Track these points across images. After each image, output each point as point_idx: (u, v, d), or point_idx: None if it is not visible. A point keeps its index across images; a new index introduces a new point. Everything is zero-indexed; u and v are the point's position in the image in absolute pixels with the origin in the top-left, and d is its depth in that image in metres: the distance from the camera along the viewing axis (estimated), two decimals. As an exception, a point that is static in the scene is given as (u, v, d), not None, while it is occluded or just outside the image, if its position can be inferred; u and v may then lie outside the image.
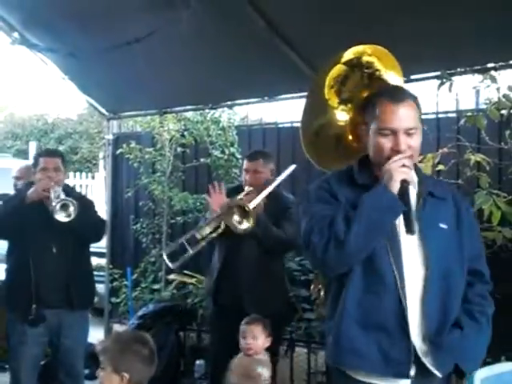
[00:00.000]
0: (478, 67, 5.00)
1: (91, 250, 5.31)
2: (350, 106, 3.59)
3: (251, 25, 5.25)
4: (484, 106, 5.46)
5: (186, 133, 8.41)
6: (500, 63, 4.89)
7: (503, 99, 5.01)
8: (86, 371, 5.33)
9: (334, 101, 3.63)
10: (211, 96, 6.81)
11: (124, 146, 8.48)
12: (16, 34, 6.42)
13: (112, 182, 8.60)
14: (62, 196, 4.68)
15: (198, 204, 7.97)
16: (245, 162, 5.23)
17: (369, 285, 2.83)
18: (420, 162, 4.99)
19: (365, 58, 3.60)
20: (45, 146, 19.60)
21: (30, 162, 5.62)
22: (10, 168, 7.48)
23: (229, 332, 4.71)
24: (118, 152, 8.50)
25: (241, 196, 4.94)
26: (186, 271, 7.79)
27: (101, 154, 17.57)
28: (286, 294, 5.42)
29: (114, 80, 6.88)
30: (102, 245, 7.01)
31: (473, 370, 3.03)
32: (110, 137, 8.37)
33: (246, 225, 4.67)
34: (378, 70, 3.58)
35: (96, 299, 5.52)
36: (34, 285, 4.78)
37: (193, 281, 7.67)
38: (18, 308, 4.87)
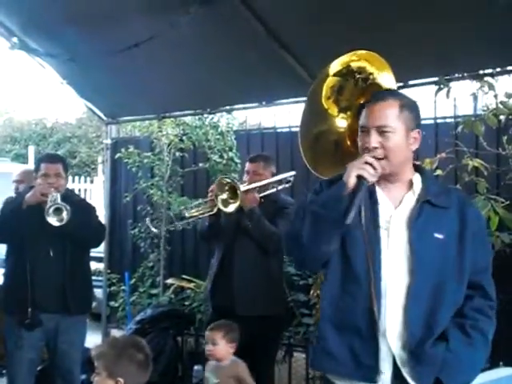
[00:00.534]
0: (476, 73, 5.01)
1: (90, 254, 5.29)
2: (349, 113, 3.59)
3: (250, 30, 5.26)
4: (482, 112, 5.46)
5: (184, 137, 8.40)
6: (497, 69, 4.90)
7: (501, 106, 5.03)
8: (83, 376, 5.32)
9: (333, 110, 3.61)
10: (210, 101, 6.82)
11: (122, 150, 8.48)
12: (15, 39, 6.42)
13: (110, 186, 8.62)
14: (59, 200, 4.68)
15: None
16: (246, 163, 5.27)
17: (345, 285, 2.83)
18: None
19: (354, 65, 3.59)
20: (43, 151, 19.62)
21: (29, 166, 5.62)
22: (9, 172, 7.47)
23: None
24: (117, 156, 8.50)
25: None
26: (184, 276, 7.80)
27: (99, 159, 17.57)
28: (283, 297, 5.43)
29: (112, 85, 6.89)
30: (100, 249, 7.01)
31: None
32: (109, 141, 8.38)
33: (233, 206, 4.72)
34: (371, 73, 3.58)
35: (94, 304, 5.52)
36: (31, 288, 4.77)
37: (191, 285, 7.67)
38: (15, 312, 4.86)
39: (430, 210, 2.81)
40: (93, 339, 6.07)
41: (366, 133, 2.84)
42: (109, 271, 8.47)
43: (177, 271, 8.25)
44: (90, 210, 5.22)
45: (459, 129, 5.44)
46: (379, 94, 3.02)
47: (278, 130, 8.03)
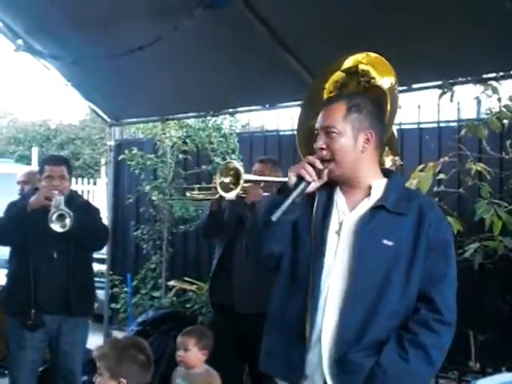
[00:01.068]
0: (480, 77, 5.01)
1: (92, 256, 5.30)
2: None
3: (253, 33, 5.27)
4: (485, 116, 5.45)
5: (187, 140, 8.41)
6: (501, 73, 4.89)
7: (504, 110, 5.02)
8: (85, 377, 5.32)
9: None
10: (213, 103, 6.83)
11: (126, 152, 8.49)
12: (20, 41, 6.43)
13: (113, 188, 8.62)
14: (62, 206, 4.68)
15: (200, 212, 7.96)
16: (256, 164, 5.26)
17: (290, 287, 2.82)
18: (421, 170, 5.01)
19: (361, 67, 3.63)
20: (47, 152, 19.65)
21: (33, 167, 5.62)
22: (13, 173, 7.48)
23: (226, 335, 4.73)
24: (120, 158, 8.50)
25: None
26: (186, 278, 7.80)
27: (103, 160, 17.57)
28: None
29: (116, 87, 6.91)
30: (102, 251, 7.00)
31: None
32: (112, 143, 8.39)
33: (233, 193, 4.71)
34: (373, 77, 3.61)
35: (96, 305, 5.52)
36: (34, 290, 4.77)
37: (193, 288, 7.67)
38: (18, 313, 4.86)
39: (384, 216, 2.74)
40: (94, 340, 6.06)
41: (318, 135, 2.85)
42: (111, 273, 8.47)
43: (179, 273, 8.25)
44: (95, 212, 5.22)
45: (462, 132, 5.44)
46: (334, 97, 3.04)
47: (281, 133, 8.03)
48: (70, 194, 4.99)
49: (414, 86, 5.28)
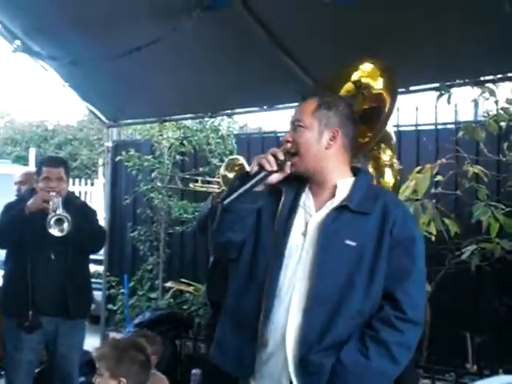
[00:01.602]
0: (477, 79, 5.01)
1: (89, 257, 5.28)
2: None
3: (251, 35, 5.26)
4: (483, 118, 5.46)
5: (185, 141, 8.41)
6: (499, 75, 4.89)
7: (502, 112, 5.03)
8: (82, 379, 5.32)
9: None
10: (211, 104, 6.82)
11: (123, 153, 8.49)
12: (18, 42, 6.41)
13: (111, 189, 8.61)
14: (60, 209, 4.67)
15: (197, 214, 7.96)
16: None
17: (248, 284, 2.82)
18: (418, 172, 5.02)
19: (363, 80, 3.72)
20: (44, 153, 19.61)
21: (30, 168, 5.61)
22: (10, 174, 7.47)
23: None
24: (117, 159, 8.50)
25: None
26: (183, 279, 7.80)
27: (100, 161, 17.58)
28: None
29: (114, 88, 6.89)
30: (99, 252, 7.00)
31: None
32: (110, 144, 8.38)
33: None
34: (372, 87, 3.69)
35: (92, 306, 5.51)
36: (31, 291, 4.77)
37: (190, 289, 7.67)
38: (15, 314, 4.86)
39: (348, 216, 2.74)
40: (91, 342, 6.06)
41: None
42: (108, 274, 8.45)
43: (176, 274, 8.25)
44: (92, 214, 5.22)
45: (460, 135, 5.45)
46: (310, 93, 3.04)
47: (279, 135, 8.02)
48: (67, 195, 4.98)
49: (412, 88, 5.27)
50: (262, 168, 2.79)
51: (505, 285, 5.87)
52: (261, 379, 2.75)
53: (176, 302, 8.04)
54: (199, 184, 5.23)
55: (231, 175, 4.67)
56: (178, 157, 8.52)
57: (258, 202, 2.82)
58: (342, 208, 2.75)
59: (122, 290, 8.59)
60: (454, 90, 4.97)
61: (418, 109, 6.64)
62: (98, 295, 8.05)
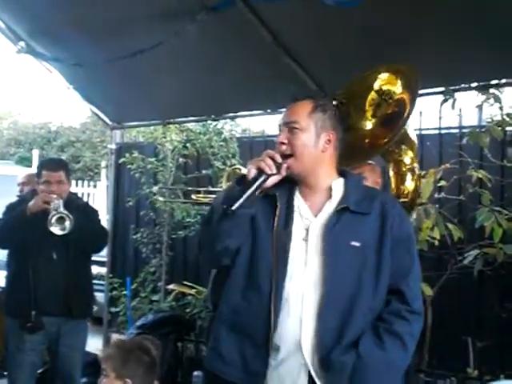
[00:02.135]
0: (482, 83, 5.00)
1: (92, 258, 5.30)
2: (375, 119, 3.83)
3: (256, 37, 5.26)
4: (487, 123, 5.46)
5: (188, 144, 8.41)
6: (503, 80, 4.89)
7: (507, 118, 5.02)
8: (84, 379, 5.32)
9: (369, 113, 3.85)
10: (214, 107, 6.82)
11: (126, 155, 8.49)
12: (22, 43, 6.42)
13: (114, 191, 8.62)
14: (61, 209, 4.68)
15: (199, 217, 7.96)
16: None
17: (246, 292, 2.81)
18: (422, 177, 5.02)
19: (383, 88, 3.82)
20: (47, 154, 19.65)
21: (33, 169, 5.61)
22: (13, 175, 7.47)
23: None
24: (121, 161, 8.50)
25: None
26: (185, 282, 7.79)
27: (103, 163, 17.60)
28: None
29: (118, 90, 6.91)
30: (102, 253, 7.00)
31: None
32: (113, 146, 8.39)
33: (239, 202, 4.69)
34: (394, 92, 3.78)
35: (95, 308, 5.52)
36: (34, 292, 4.77)
37: (192, 292, 7.66)
38: (17, 315, 4.86)
39: (349, 217, 2.78)
40: (94, 343, 6.07)
41: (280, 131, 2.89)
42: (111, 275, 8.45)
43: (178, 277, 8.24)
44: (94, 214, 5.23)
45: (464, 141, 5.45)
46: (300, 97, 3.03)
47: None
48: (68, 196, 4.98)
49: (416, 92, 5.27)
50: (261, 171, 2.79)
51: (507, 290, 5.86)
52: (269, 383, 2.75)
53: (178, 305, 8.03)
54: (202, 195, 5.22)
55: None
56: (181, 159, 8.51)
57: (254, 206, 2.82)
58: (342, 210, 2.78)
59: (124, 292, 8.58)
60: (458, 95, 4.98)
61: (421, 113, 6.63)
62: (100, 297, 8.08)
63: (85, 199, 15.72)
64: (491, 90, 4.98)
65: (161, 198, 8.22)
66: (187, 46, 5.41)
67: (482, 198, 5.18)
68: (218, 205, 2.84)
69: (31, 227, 4.74)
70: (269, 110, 6.60)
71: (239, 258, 2.86)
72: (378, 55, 3.73)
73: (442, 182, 5.30)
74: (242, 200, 2.73)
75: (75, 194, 5.66)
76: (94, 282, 5.47)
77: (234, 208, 2.72)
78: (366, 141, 3.82)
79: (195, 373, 6.68)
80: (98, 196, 16.67)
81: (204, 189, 5.16)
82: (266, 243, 2.81)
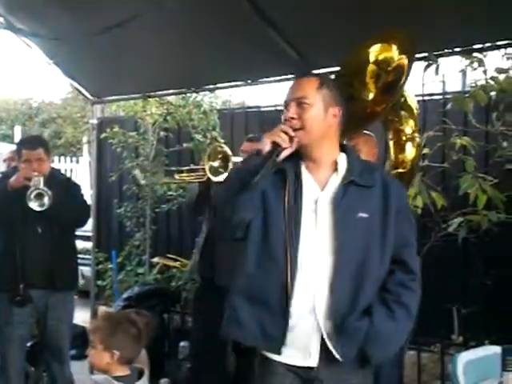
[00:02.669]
0: (465, 48, 4.95)
1: (78, 233, 5.30)
2: (375, 88, 3.95)
3: (235, 8, 5.22)
4: (470, 88, 5.41)
5: (168, 117, 8.37)
6: (487, 44, 4.84)
7: (491, 82, 4.98)
8: (73, 351, 5.34)
9: (371, 85, 3.96)
10: (194, 79, 6.77)
11: (108, 130, 8.44)
12: (1, 19, 6.37)
13: (96, 166, 8.59)
14: (41, 185, 4.69)
15: (181, 191, 7.95)
16: (244, 143, 5.20)
17: (262, 261, 2.90)
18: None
19: (379, 58, 3.92)
20: (30, 131, 19.54)
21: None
22: (-4, 152, 7.42)
23: (210, 312, 4.71)
24: (102, 136, 8.47)
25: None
26: (169, 255, 7.80)
27: (84, 139, 17.51)
28: None
29: (97, 65, 6.85)
30: (87, 228, 7.00)
31: (381, 357, 2.94)
32: (95, 121, 8.35)
33: (222, 176, 4.66)
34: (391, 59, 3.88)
35: (82, 282, 5.54)
36: (21, 265, 4.79)
37: (176, 264, 7.68)
38: (5, 289, 4.87)
39: (355, 190, 2.90)
40: (81, 316, 6.08)
41: (287, 107, 2.95)
42: (96, 250, 8.48)
43: (162, 250, 8.27)
44: (75, 189, 5.23)
45: (449, 106, 5.41)
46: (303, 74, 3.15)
47: (263, 109, 7.99)
48: (51, 172, 4.98)
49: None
50: (276, 145, 2.85)
51: (491, 257, 5.88)
52: (285, 346, 2.88)
53: (163, 277, 8.07)
54: (185, 175, 5.18)
55: (216, 163, 4.67)
56: (162, 133, 8.49)
57: (267, 180, 2.89)
58: (348, 183, 2.90)
59: (110, 266, 8.60)
60: (441, 60, 4.94)
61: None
62: (87, 271, 8.14)
63: (68, 175, 15.64)
64: (475, 54, 4.94)
65: (142, 177, 8.22)
66: (165, 19, 5.37)
67: (465, 164, 5.16)
68: (236, 178, 2.92)
69: (14, 203, 4.74)
70: (249, 81, 6.55)
71: (252, 231, 2.94)
72: (364, 22, 3.70)
73: (426, 150, 5.27)
74: (263, 172, 2.80)
75: (58, 170, 5.65)
76: (80, 256, 5.47)
77: (256, 180, 2.79)
78: (367, 110, 3.92)
79: (181, 343, 6.74)
80: (81, 171, 16.61)
81: (186, 168, 5.11)
82: (278, 216, 2.90)
